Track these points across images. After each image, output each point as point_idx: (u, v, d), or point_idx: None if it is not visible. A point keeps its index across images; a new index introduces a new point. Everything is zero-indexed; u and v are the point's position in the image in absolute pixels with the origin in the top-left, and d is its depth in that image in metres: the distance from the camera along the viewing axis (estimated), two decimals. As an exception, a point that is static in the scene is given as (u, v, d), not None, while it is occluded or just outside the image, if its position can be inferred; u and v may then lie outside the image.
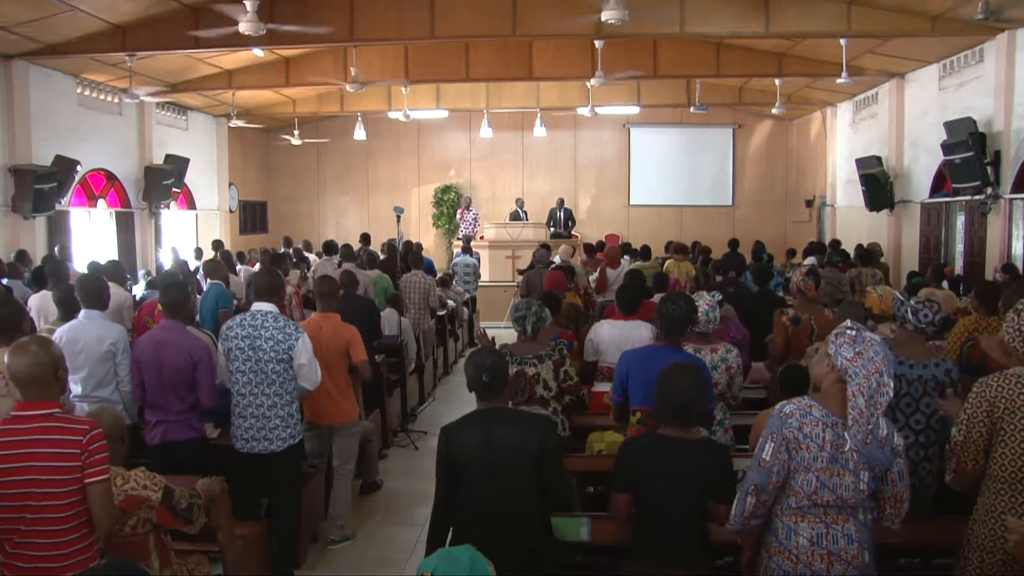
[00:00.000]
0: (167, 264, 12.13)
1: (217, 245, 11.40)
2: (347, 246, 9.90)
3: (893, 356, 3.40)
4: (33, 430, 2.57)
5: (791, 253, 12.42)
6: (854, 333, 2.53)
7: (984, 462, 2.78)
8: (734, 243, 11.37)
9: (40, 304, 6.13)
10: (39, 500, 2.54)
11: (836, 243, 11.98)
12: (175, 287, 4.50)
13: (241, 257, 11.74)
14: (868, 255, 9.24)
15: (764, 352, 5.68)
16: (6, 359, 2.69)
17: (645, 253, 10.81)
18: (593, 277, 10.01)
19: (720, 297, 4.34)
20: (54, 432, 2.57)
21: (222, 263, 7.98)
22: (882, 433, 2.50)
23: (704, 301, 4.16)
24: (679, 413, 2.90)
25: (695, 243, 12.07)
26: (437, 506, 3.11)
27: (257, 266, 10.36)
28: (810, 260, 10.66)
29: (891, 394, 2.48)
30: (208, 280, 7.26)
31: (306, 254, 12.55)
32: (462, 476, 3.00)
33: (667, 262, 10.50)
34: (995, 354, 3.92)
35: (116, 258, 10.67)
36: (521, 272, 12.25)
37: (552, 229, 15.70)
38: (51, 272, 7.17)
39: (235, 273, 9.60)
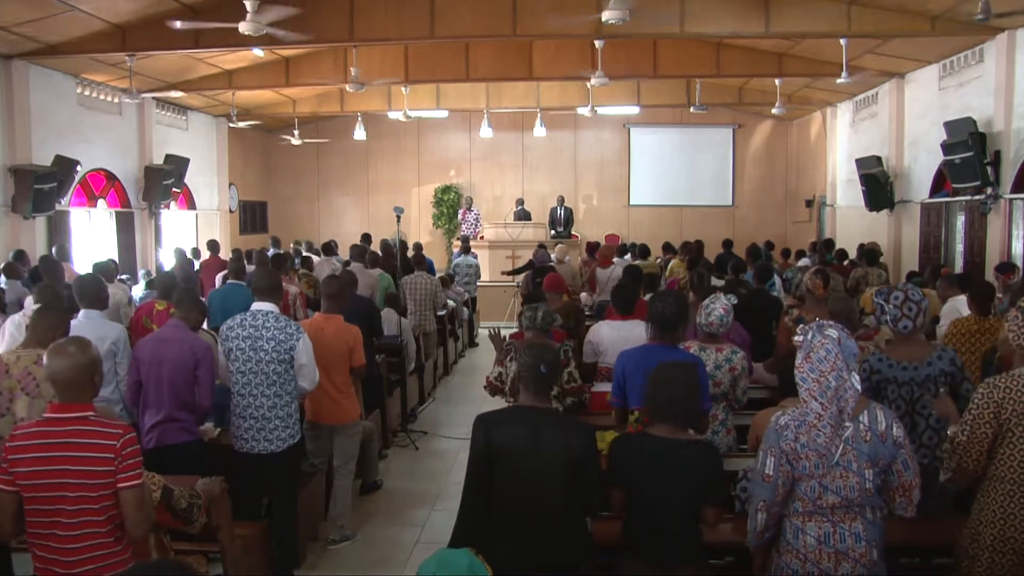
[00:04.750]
0: (167, 265, 12.12)
1: (212, 245, 11.34)
2: (356, 246, 9.89)
3: (888, 372, 3.39)
4: (68, 433, 2.55)
5: (786, 253, 12.41)
6: (800, 338, 2.53)
7: (986, 462, 2.78)
8: (728, 243, 11.39)
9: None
10: (73, 504, 2.52)
11: (830, 243, 11.99)
12: (193, 294, 4.62)
13: (249, 257, 11.67)
14: (873, 255, 9.23)
15: (763, 353, 5.67)
16: (44, 360, 2.67)
17: (644, 252, 10.83)
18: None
19: (735, 301, 4.31)
20: (89, 436, 2.55)
21: (243, 263, 8.00)
22: (881, 427, 2.51)
23: (720, 305, 4.14)
24: (669, 411, 2.89)
25: (697, 241, 12.07)
26: (468, 499, 3.03)
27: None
28: (804, 261, 10.66)
29: (858, 387, 2.47)
30: (227, 280, 7.27)
31: (306, 254, 12.52)
32: (500, 472, 2.93)
33: (672, 262, 10.50)
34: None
35: (116, 258, 10.68)
36: (507, 273, 12.27)
37: (553, 230, 15.72)
38: (45, 271, 7.17)
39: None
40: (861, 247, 10.27)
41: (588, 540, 3.10)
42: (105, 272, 6.68)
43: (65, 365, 2.59)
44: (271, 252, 10.78)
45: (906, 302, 3.41)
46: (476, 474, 2.99)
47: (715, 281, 7.58)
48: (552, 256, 10.66)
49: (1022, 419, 2.69)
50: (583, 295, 9.50)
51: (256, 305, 4.30)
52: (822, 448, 2.47)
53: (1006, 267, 6.97)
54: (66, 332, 3.76)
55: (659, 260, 11.31)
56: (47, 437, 2.55)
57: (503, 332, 4.97)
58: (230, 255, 11.84)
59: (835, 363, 2.45)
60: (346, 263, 9.89)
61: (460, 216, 16.51)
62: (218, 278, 8.96)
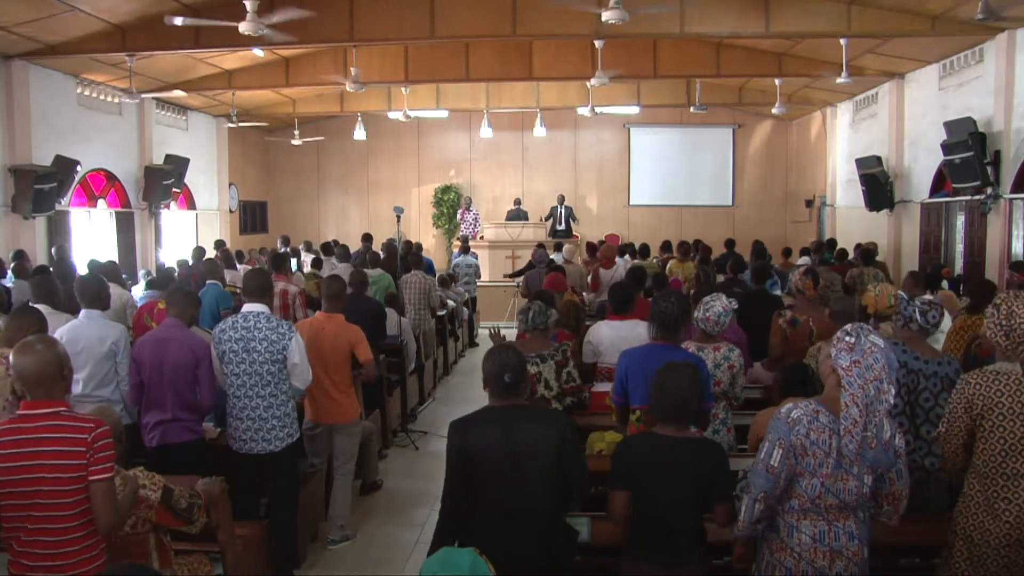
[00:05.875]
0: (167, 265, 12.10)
1: (219, 245, 11.41)
2: (343, 247, 9.88)
3: (901, 358, 3.43)
4: (39, 429, 2.57)
5: (787, 252, 12.40)
6: (852, 340, 2.50)
7: (964, 455, 2.88)
8: (730, 243, 11.38)
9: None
10: (47, 499, 2.54)
11: (832, 242, 11.98)
12: (184, 290, 4.59)
13: (240, 256, 11.73)
14: (869, 254, 9.24)
15: (763, 353, 5.66)
16: (11, 358, 2.70)
17: (644, 252, 10.83)
18: (590, 277, 10.04)
19: (736, 305, 4.32)
20: (60, 431, 2.58)
21: (219, 263, 7.99)
22: (886, 436, 2.51)
23: (720, 304, 4.15)
24: (674, 412, 2.90)
25: (696, 241, 12.07)
26: (447, 503, 3.04)
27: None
28: (803, 260, 10.67)
29: (891, 401, 2.47)
30: (206, 281, 7.26)
31: (312, 255, 12.53)
32: (478, 473, 2.94)
33: (670, 262, 10.50)
34: None
35: (115, 258, 10.69)
36: (510, 276, 12.29)
37: (550, 224, 15.72)
38: (57, 272, 7.20)
39: (235, 270, 9.57)
40: (858, 247, 10.26)
41: (570, 537, 3.11)
42: (110, 272, 6.68)
43: (32, 362, 2.61)
44: (282, 251, 10.81)
45: (932, 302, 3.64)
46: (453, 479, 2.99)
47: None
48: (560, 256, 10.66)
49: (992, 414, 2.77)
50: (585, 295, 9.49)
51: (247, 307, 4.30)
52: (851, 454, 2.46)
53: (1020, 265, 6.99)
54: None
55: (656, 260, 11.30)
56: (19, 434, 2.57)
57: (503, 332, 4.98)
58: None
59: (879, 372, 2.45)
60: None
61: (459, 216, 16.52)
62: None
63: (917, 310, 3.58)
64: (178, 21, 8.03)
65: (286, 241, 13.50)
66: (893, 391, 2.48)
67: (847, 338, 2.52)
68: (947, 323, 5.81)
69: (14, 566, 2.60)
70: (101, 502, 2.58)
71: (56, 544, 2.57)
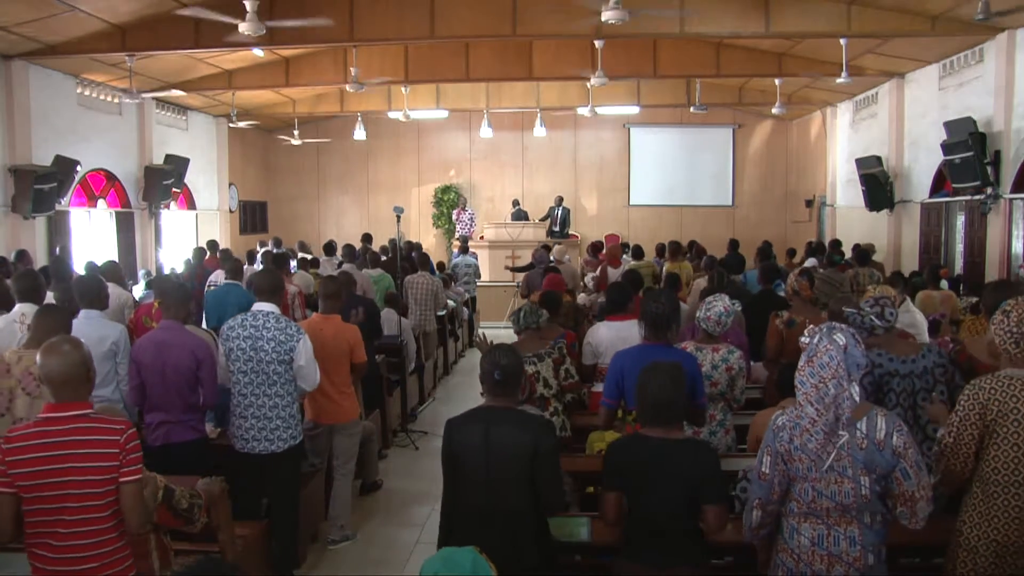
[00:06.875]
0: (167, 265, 12.13)
1: (212, 245, 11.36)
2: (348, 246, 9.90)
3: (888, 366, 3.44)
4: (69, 431, 2.55)
5: (791, 252, 12.39)
6: (806, 340, 2.53)
7: (973, 464, 2.77)
8: (734, 243, 11.37)
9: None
10: (77, 501, 2.52)
11: (836, 243, 11.96)
12: (176, 287, 4.54)
13: (252, 257, 11.67)
14: (865, 255, 9.24)
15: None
16: (38, 360, 2.67)
17: (637, 254, 10.85)
18: (591, 276, 10.04)
19: (740, 306, 4.31)
20: (91, 432, 2.56)
21: (240, 262, 8.01)
22: (879, 435, 2.47)
23: (722, 304, 4.14)
24: (657, 412, 2.89)
25: (692, 242, 12.06)
26: (445, 498, 3.18)
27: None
28: (811, 261, 10.65)
29: (856, 399, 2.45)
30: (226, 279, 7.27)
31: (302, 255, 12.52)
32: (460, 470, 3.04)
33: (666, 265, 10.51)
34: (983, 357, 3.92)
35: (115, 258, 10.69)
36: (511, 269, 12.32)
37: (549, 226, 15.73)
38: (55, 272, 7.20)
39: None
40: (855, 248, 10.26)
41: (548, 540, 3.11)
42: (111, 273, 6.68)
43: (60, 363, 2.59)
44: (275, 252, 10.77)
45: (878, 299, 3.70)
46: (446, 475, 3.12)
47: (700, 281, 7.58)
48: (551, 256, 10.66)
49: (1006, 420, 2.69)
50: (581, 296, 9.48)
51: (257, 305, 4.31)
52: (812, 453, 2.48)
53: None
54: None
55: (656, 261, 11.30)
56: (47, 437, 2.55)
57: (491, 338, 4.96)
58: (244, 254, 11.90)
59: (836, 371, 2.43)
60: (340, 263, 9.89)
61: (455, 216, 16.53)
62: (218, 275, 8.91)
63: (872, 315, 3.60)
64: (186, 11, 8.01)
65: (278, 243, 13.43)
66: (856, 387, 2.46)
67: (803, 339, 2.55)
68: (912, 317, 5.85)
69: (39, 573, 2.58)
70: (132, 503, 2.58)
71: (91, 546, 2.56)
